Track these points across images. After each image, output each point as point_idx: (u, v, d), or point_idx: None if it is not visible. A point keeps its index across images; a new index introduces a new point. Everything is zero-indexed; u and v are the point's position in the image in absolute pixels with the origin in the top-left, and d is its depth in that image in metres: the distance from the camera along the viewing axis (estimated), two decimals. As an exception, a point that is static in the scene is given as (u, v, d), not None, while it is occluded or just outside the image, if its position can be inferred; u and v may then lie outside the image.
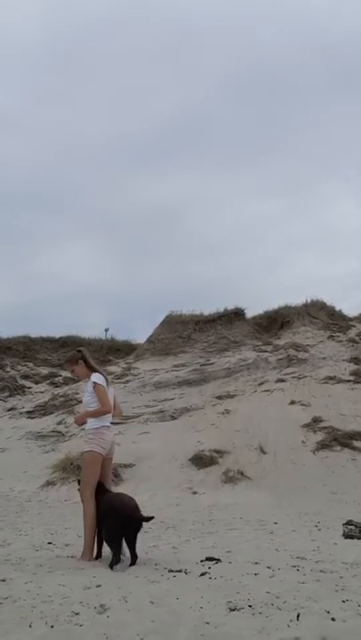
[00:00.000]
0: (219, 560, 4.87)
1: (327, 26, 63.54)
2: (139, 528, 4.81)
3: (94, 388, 5.20)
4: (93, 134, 64.64)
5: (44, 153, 65.29)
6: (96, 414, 5.19)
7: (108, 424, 5.27)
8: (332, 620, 3.14)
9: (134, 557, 4.77)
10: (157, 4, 60.42)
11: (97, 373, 5.28)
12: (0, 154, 62.59)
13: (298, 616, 3.16)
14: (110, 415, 5.33)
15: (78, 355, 5.48)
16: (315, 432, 13.01)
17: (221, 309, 22.15)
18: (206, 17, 61.05)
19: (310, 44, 63.22)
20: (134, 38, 62.59)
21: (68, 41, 63.68)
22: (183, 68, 64.40)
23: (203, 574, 4.30)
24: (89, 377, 5.33)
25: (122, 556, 4.74)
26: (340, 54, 65.03)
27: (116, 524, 4.72)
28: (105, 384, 5.25)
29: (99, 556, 4.99)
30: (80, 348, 5.68)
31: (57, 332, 25.60)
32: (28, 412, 18.36)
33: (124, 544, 4.78)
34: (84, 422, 5.33)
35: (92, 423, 5.23)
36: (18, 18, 62.40)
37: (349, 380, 15.93)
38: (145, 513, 8.28)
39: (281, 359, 18.23)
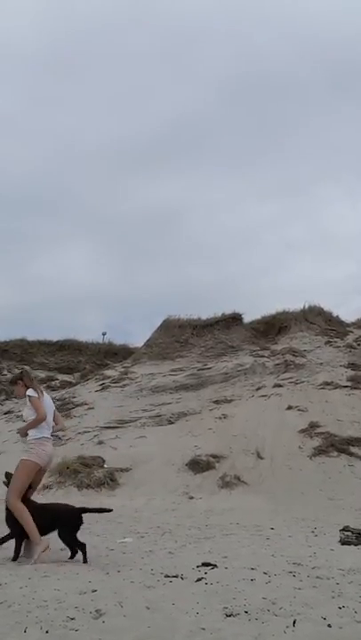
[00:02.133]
0: (215, 565, 4.86)
1: (324, 31, 64.03)
2: (82, 522, 5.37)
3: (29, 400, 5.51)
4: (92, 137, 64.89)
5: (42, 156, 65.47)
6: (34, 423, 5.44)
7: (48, 435, 5.54)
8: (329, 626, 3.13)
9: (84, 549, 5.24)
10: (157, 8, 60.75)
11: (30, 389, 5.58)
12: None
13: (294, 622, 3.15)
14: (50, 427, 5.59)
15: (18, 375, 5.83)
16: (312, 437, 13.00)
17: (219, 314, 22.16)
18: (205, 22, 61.42)
19: (308, 49, 63.61)
20: (133, 42, 62.89)
21: (68, 45, 63.93)
22: (182, 72, 64.76)
23: (199, 580, 4.28)
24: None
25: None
26: (336, 59, 65.45)
27: (69, 524, 5.25)
28: (37, 395, 5.54)
29: (17, 557, 5.21)
30: (21, 368, 6.04)
31: (54, 336, 25.59)
32: (24, 415, 18.30)
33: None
34: (27, 434, 5.55)
35: (32, 434, 5.46)
36: (17, 22, 62.63)
37: (347, 386, 15.93)
38: (141, 518, 8.33)
39: (278, 364, 18.23)
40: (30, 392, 5.52)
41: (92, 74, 65.09)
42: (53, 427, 5.70)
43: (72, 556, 5.23)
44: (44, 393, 5.73)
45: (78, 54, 67.04)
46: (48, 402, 5.68)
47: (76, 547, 5.26)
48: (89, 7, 62.45)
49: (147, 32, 63.28)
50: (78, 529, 5.31)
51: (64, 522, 5.28)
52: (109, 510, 6.00)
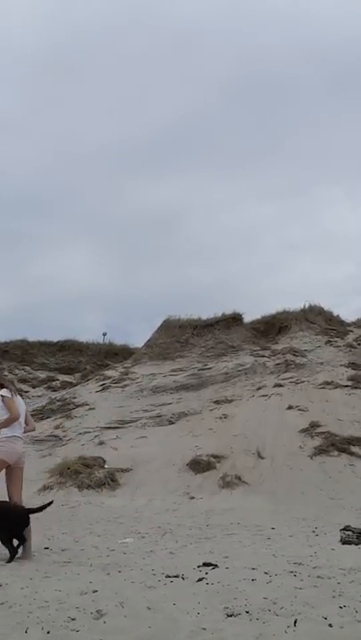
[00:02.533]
0: (216, 565, 4.86)
1: (325, 33, 64.08)
2: (28, 523, 5.33)
3: (2, 400, 5.70)
4: (93, 139, 64.96)
5: (43, 157, 65.41)
6: (7, 422, 5.65)
7: (20, 435, 5.73)
8: (330, 626, 3.12)
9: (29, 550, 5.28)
10: (157, 10, 60.76)
11: (4, 389, 5.80)
12: (0, 158, 62.69)
13: (295, 622, 3.15)
14: (22, 427, 5.79)
15: None
16: (312, 437, 12.99)
17: (219, 314, 22.15)
18: (206, 23, 61.40)
19: (309, 51, 63.65)
20: (134, 43, 62.87)
21: (68, 46, 63.97)
22: (183, 74, 64.79)
23: (200, 580, 4.28)
24: None
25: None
26: (337, 60, 65.40)
27: (7, 525, 5.18)
28: (10, 395, 5.75)
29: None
30: None
31: (55, 336, 25.64)
32: (25, 416, 18.30)
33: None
34: None
35: (4, 432, 5.65)
36: (18, 24, 62.65)
37: (347, 386, 15.91)
38: (141, 518, 8.29)
39: (279, 364, 18.22)
40: (4, 392, 5.72)
41: (93, 75, 65.13)
42: (25, 427, 5.88)
43: (11, 559, 5.12)
44: (17, 394, 5.95)
45: (79, 55, 67.11)
46: (20, 403, 5.87)
47: (21, 543, 5.26)
48: (89, 8, 62.50)
49: (147, 33, 63.31)
50: (24, 529, 5.29)
51: (10, 520, 5.23)
52: (50, 503, 5.94)
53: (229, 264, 59.36)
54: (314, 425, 13.51)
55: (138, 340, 26.11)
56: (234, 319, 21.90)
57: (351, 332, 20.76)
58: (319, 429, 13.27)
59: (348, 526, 6.67)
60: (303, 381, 16.56)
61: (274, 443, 12.95)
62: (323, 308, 22.01)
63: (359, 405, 14.63)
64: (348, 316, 22.25)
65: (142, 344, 22.93)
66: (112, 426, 15.37)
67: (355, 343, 19.46)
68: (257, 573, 4.50)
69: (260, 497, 10.61)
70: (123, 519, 8.75)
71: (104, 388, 18.92)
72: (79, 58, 66.69)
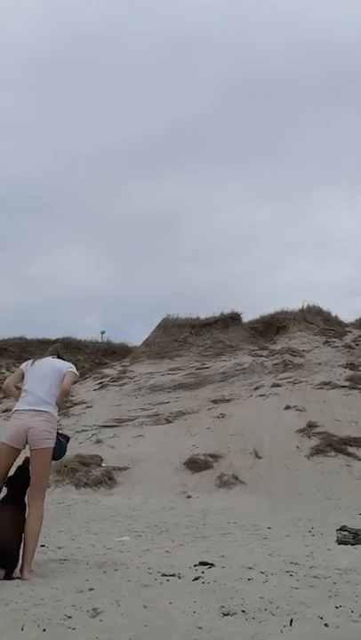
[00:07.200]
0: (212, 565, 4.86)
1: (325, 36, 64.20)
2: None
3: None
4: (93, 139, 64.97)
5: (43, 157, 65.42)
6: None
7: (23, 408, 4.52)
8: (326, 625, 3.13)
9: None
10: (158, 12, 60.75)
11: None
12: (0, 157, 62.66)
13: (291, 622, 3.15)
14: (32, 395, 4.55)
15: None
16: (310, 437, 13.01)
17: (218, 313, 22.18)
18: (206, 25, 61.44)
19: (307, 54, 63.85)
20: (135, 45, 62.94)
21: (69, 47, 63.97)
22: (183, 75, 64.83)
23: (196, 579, 4.28)
24: None
25: None
26: (335, 64, 65.70)
27: None
28: (24, 365, 4.82)
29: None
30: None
31: (53, 334, 25.57)
32: (22, 413, 18.29)
33: None
34: None
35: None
36: (19, 24, 62.58)
37: (345, 386, 15.93)
38: (138, 516, 8.31)
39: (277, 364, 18.23)
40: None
41: (93, 76, 65.15)
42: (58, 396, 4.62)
43: None
44: (43, 358, 4.86)
45: (79, 56, 67.15)
46: (38, 368, 4.70)
47: None
48: (90, 9, 62.42)
49: (148, 35, 63.33)
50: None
51: None
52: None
53: (228, 264, 59.41)
54: (311, 425, 13.52)
55: (136, 338, 26.09)
56: (232, 319, 21.93)
57: (349, 332, 20.79)
58: (316, 429, 13.28)
59: (345, 526, 6.67)
60: (301, 381, 16.57)
61: (271, 442, 12.96)
62: (321, 309, 22.06)
63: (357, 406, 14.65)
64: (346, 316, 22.33)
65: (140, 343, 22.93)
66: (109, 424, 15.37)
67: (353, 344, 19.49)
68: (253, 573, 4.50)
69: (256, 496, 10.62)
70: (119, 517, 8.74)
71: (102, 387, 18.92)
72: (79, 58, 66.70)
